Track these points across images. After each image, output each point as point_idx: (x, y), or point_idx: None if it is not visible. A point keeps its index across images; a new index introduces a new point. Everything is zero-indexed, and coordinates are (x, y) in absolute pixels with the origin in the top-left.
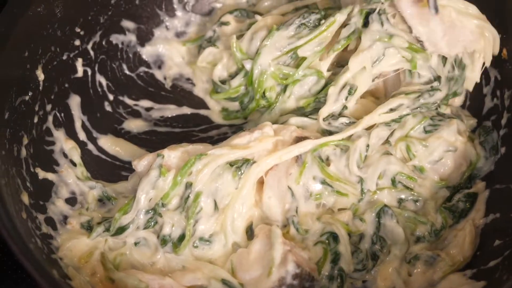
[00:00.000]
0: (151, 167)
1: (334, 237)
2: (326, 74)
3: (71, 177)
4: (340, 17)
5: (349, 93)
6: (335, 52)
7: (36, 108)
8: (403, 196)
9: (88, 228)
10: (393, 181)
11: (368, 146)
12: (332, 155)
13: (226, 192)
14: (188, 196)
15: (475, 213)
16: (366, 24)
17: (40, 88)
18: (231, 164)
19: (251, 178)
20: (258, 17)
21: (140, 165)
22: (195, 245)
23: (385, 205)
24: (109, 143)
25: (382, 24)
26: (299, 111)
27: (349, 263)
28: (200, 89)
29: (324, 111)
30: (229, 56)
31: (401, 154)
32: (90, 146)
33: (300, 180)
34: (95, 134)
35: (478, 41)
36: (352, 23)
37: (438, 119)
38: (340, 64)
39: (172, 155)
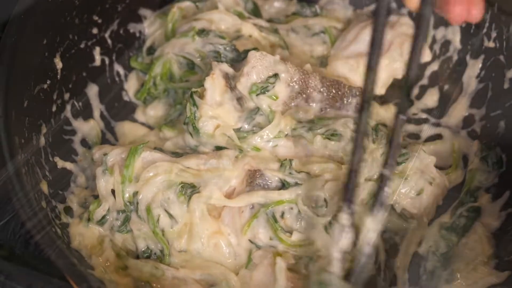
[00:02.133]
0: (97, 163)
1: None
2: None
3: (87, 163)
4: None
5: None
6: None
7: (54, 97)
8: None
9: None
10: None
11: None
12: (288, 212)
13: (179, 210)
14: (138, 206)
15: (487, 217)
16: None
17: (58, 76)
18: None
19: (193, 207)
20: None
21: (98, 153)
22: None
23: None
24: (122, 130)
25: None
26: None
27: None
28: None
29: None
30: None
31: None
32: (108, 136)
33: (248, 232)
34: (113, 124)
35: None
36: None
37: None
38: None
39: (123, 154)
